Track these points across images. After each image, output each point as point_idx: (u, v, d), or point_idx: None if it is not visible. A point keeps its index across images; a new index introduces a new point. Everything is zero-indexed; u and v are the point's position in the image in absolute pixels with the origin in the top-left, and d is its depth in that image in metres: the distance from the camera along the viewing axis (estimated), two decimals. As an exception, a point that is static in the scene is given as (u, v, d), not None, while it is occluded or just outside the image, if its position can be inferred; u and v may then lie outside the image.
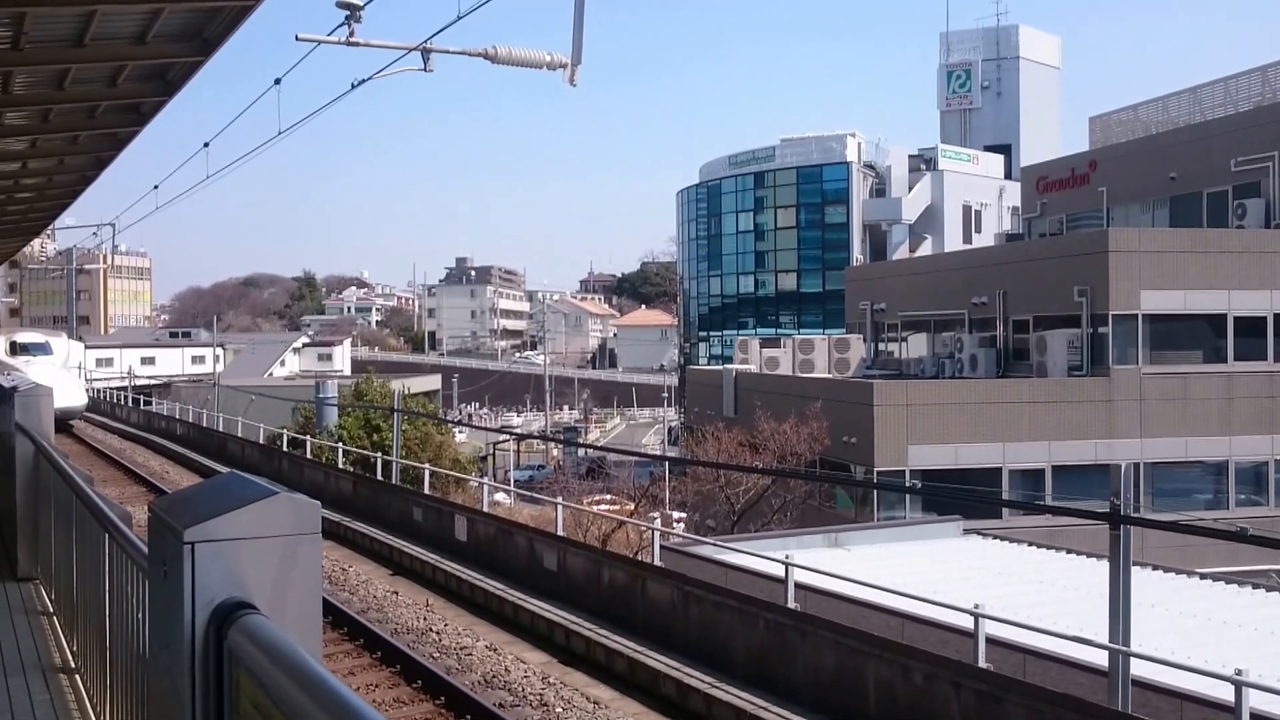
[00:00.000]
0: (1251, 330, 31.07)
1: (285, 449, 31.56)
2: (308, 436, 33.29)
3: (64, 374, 43.24)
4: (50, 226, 41.69)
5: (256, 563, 2.98)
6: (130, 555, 4.21)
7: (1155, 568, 19.06)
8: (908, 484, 28.90)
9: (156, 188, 31.39)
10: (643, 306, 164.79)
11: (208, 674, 2.92)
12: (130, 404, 52.70)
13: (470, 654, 13.66)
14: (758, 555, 15.90)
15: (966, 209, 69.13)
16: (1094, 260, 30.85)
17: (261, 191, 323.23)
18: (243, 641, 2.75)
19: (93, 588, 5.36)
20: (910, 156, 71.83)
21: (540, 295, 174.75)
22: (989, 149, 75.11)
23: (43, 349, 43.57)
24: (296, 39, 15.50)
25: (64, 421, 40.32)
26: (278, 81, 17.16)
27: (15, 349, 42.77)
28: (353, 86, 16.24)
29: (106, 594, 4.86)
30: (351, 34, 14.88)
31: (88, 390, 50.88)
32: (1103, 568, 12.10)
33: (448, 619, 15.52)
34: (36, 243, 50.75)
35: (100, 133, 16.69)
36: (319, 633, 3.22)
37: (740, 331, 68.38)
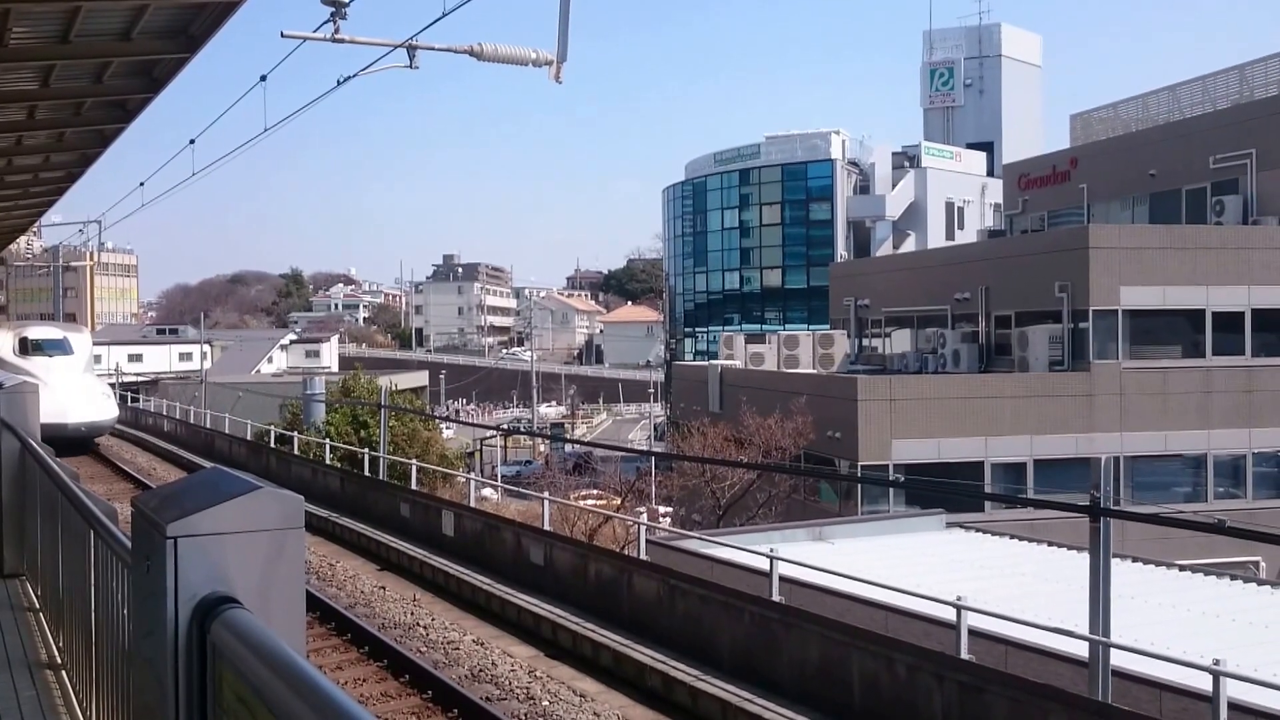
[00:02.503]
0: (1229, 325, 31.24)
1: (273, 445, 31.55)
2: (295, 433, 33.27)
3: (89, 379, 36.33)
4: (36, 223, 40.61)
5: (239, 557, 3.01)
6: (115, 551, 4.23)
7: (1135, 560, 19.18)
8: (891, 478, 29.01)
9: (143, 184, 30.93)
10: (629, 303, 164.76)
11: (191, 668, 2.94)
12: (118, 401, 52.41)
13: (458, 648, 13.72)
14: (743, 549, 15.99)
15: (949, 206, 69.32)
16: (1075, 256, 31.00)
17: (248, 188, 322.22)
18: (225, 635, 2.78)
19: (78, 584, 5.39)
20: (894, 154, 71.97)
21: (527, 292, 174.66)
22: (971, 146, 75.30)
23: (61, 347, 35.47)
24: (282, 36, 15.48)
25: (90, 439, 34.52)
26: (263, 78, 17.16)
27: (27, 347, 34.84)
28: (338, 83, 16.23)
29: (92, 590, 4.89)
30: (337, 31, 14.87)
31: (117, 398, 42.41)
32: (1083, 560, 12.20)
33: (435, 614, 15.57)
34: (23, 240, 49.94)
35: (86, 129, 16.69)
36: (302, 626, 3.25)
37: (726, 327, 68.49)
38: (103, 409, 34.82)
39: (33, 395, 9.35)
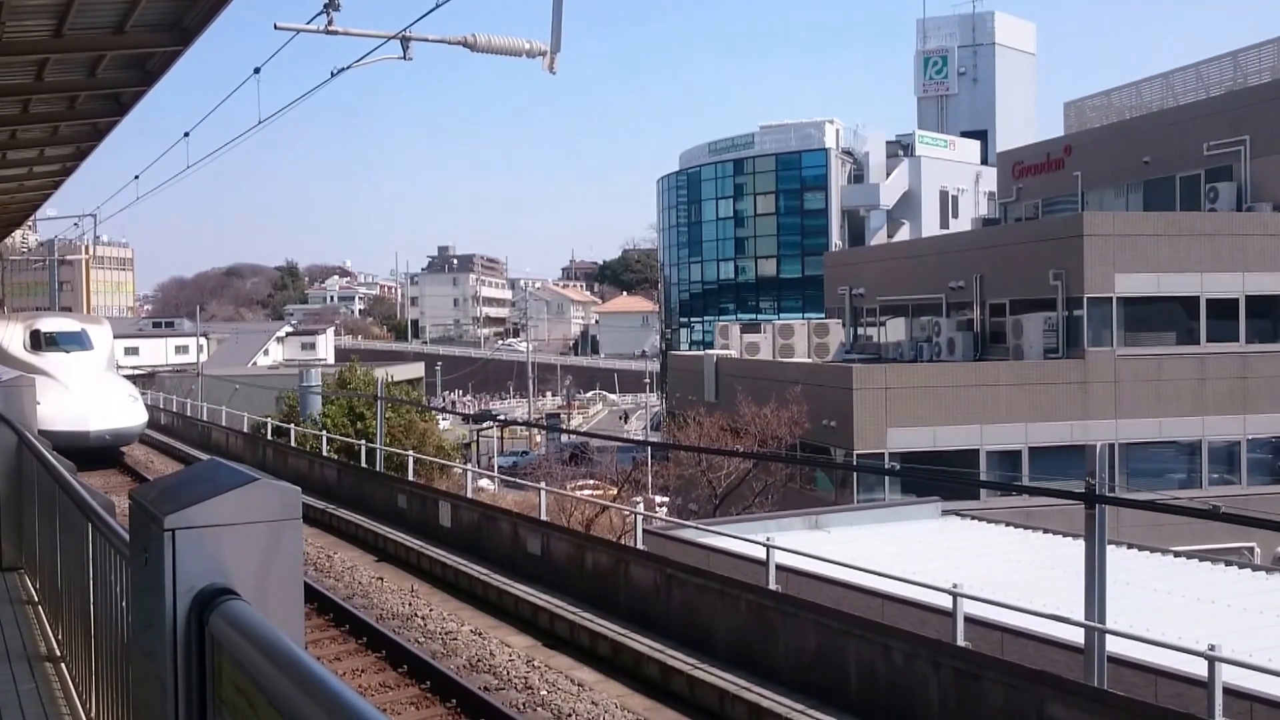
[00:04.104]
0: (1223, 312, 31.33)
1: (270, 437, 31.53)
2: (292, 425, 33.27)
3: (112, 378, 32.15)
4: (31, 217, 40.17)
5: (237, 549, 3.02)
6: (113, 543, 4.24)
7: (1130, 546, 19.26)
8: (887, 466, 29.07)
9: (137, 178, 30.01)
10: (624, 293, 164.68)
11: (190, 660, 2.95)
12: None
13: (456, 638, 13.76)
14: (739, 538, 16.01)
15: (943, 194, 69.30)
16: (1069, 244, 31.04)
17: (243, 181, 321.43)
18: (224, 627, 2.78)
19: (77, 576, 5.41)
20: (888, 143, 71.90)
21: (522, 283, 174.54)
22: (965, 134, 75.30)
23: (78, 341, 30.85)
24: (275, 28, 15.47)
25: (115, 449, 30.28)
26: (257, 71, 17.14)
27: (40, 341, 30.26)
28: (332, 75, 16.22)
29: (90, 582, 4.90)
30: (330, 22, 14.85)
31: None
32: (1079, 546, 12.26)
33: (433, 604, 15.62)
34: (18, 234, 49.62)
35: (80, 123, 16.66)
36: (300, 617, 3.26)
37: (721, 317, 68.47)
38: (130, 414, 30.26)
39: (29, 388, 9.35)
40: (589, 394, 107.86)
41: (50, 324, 31.56)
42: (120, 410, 29.60)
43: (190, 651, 2.96)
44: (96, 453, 27.77)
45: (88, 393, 28.63)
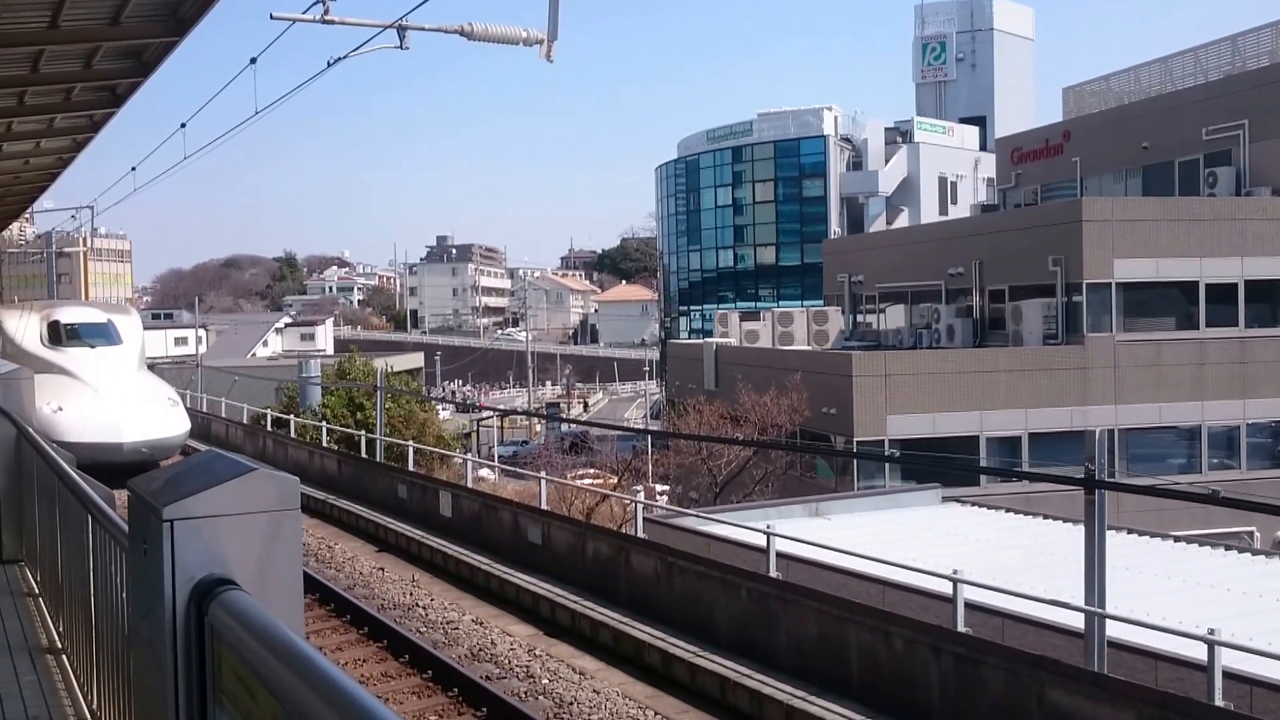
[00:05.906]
0: (1222, 297, 31.33)
1: (269, 428, 31.53)
2: (291, 416, 33.25)
3: (147, 378, 27.59)
4: (29, 210, 39.91)
5: (236, 539, 3.03)
6: (112, 535, 4.25)
7: (1130, 531, 19.28)
8: (887, 453, 29.08)
9: (134, 169, 29.17)
10: (623, 282, 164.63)
11: (189, 650, 2.97)
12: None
13: (457, 628, 13.78)
14: (740, 526, 16.03)
15: (942, 180, 69.22)
16: (1068, 230, 31.03)
17: (240, 172, 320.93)
18: (223, 617, 2.79)
19: (77, 568, 5.41)
20: (886, 129, 71.80)
21: (521, 272, 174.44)
22: (964, 121, 75.20)
23: (104, 334, 26.47)
24: (271, 17, 15.39)
25: (153, 463, 23.71)
26: (253, 61, 17.07)
27: (60, 335, 25.93)
28: (329, 65, 16.15)
29: (91, 574, 4.91)
30: (326, 11, 14.77)
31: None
32: (1078, 532, 12.27)
33: (434, 594, 15.64)
34: (15, 226, 49.47)
35: (77, 115, 16.63)
36: (300, 607, 3.27)
37: (720, 305, 68.50)
38: (171, 421, 25.38)
39: (28, 380, 9.33)
40: (586, 386, 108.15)
41: (72, 314, 27.11)
42: (159, 417, 25.04)
43: (190, 642, 2.97)
44: (131, 469, 22.00)
45: (119, 396, 24.71)
